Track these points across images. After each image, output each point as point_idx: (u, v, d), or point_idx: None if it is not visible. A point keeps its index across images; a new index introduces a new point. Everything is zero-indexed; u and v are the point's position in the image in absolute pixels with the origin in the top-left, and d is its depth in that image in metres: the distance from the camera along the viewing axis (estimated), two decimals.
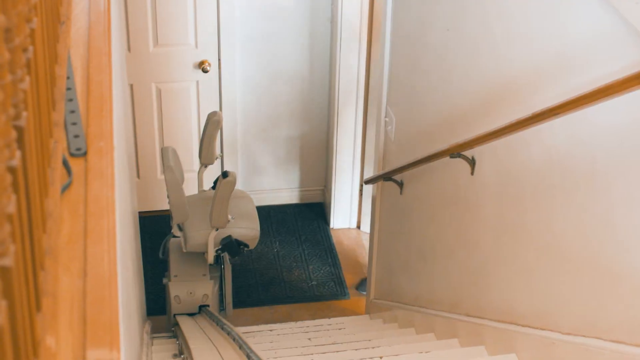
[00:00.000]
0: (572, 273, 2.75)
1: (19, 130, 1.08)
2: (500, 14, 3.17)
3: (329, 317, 5.60)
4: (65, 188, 1.49)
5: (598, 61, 2.47)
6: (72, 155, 1.58)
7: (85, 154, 1.57)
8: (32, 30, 1.28)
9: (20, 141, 1.09)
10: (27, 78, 1.18)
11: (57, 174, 1.46)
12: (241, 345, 3.09)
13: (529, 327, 3.09)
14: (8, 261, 0.90)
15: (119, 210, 1.61)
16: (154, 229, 6.41)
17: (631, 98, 2.23)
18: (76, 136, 1.60)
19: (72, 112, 1.66)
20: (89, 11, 1.99)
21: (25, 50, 1.20)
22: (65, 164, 1.53)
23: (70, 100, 1.69)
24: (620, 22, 2.29)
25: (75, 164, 1.55)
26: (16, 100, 1.07)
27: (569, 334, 2.79)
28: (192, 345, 3.61)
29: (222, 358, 3.21)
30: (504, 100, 3.18)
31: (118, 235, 1.51)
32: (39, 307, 1.20)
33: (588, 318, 2.68)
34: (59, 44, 1.75)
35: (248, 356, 2.84)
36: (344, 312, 5.70)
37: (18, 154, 1.03)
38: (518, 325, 3.18)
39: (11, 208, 0.94)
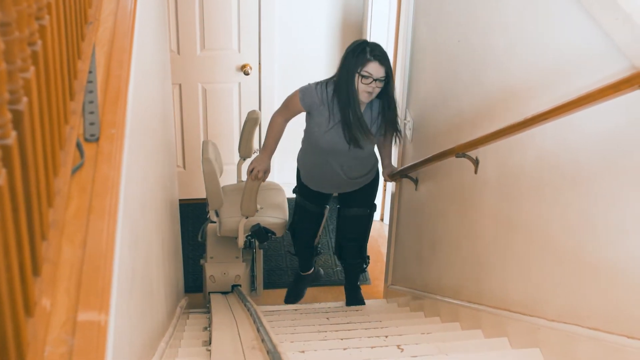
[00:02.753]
0: (556, 265, 2.73)
1: (17, 113, 1.10)
2: (502, 29, 3.16)
3: None
4: (77, 169, 1.52)
5: (585, 72, 2.46)
6: (86, 140, 1.60)
7: (97, 139, 1.60)
8: (42, 27, 1.30)
9: (18, 123, 1.11)
10: (32, 68, 1.20)
11: (69, 157, 1.49)
12: (255, 320, 3.13)
13: (519, 313, 3.08)
14: None
15: (124, 191, 1.63)
16: (197, 215, 6.46)
17: (611, 106, 2.22)
18: (92, 124, 1.63)
19: (91, 102, 1.68)
20: (116, 13, 2.01)
21: (31, 44, 1.23)
22: (79, 147, 1.56)
23: (91, 92, 1.72)
24: (604, 36, 2.28)
25: (89, 148, 1.58)
26: (15, 87, 1.09)
27: (553, 320, 2.77)
28: (214, 319, 3.65)
29: (238, 330, 3.25)
30: (505, 106, 3.17)
31: (121, 212, 1.53)
32: (37, 272, 1.23)
33: (569, 306, 2.66)
34: (84, 42, 1.78)
35: (258, 329, 2.89)
36: (364, 296, 5.70)
37: (13, 134, 1.06)
38: (510, 311, 3.17)
39: None
